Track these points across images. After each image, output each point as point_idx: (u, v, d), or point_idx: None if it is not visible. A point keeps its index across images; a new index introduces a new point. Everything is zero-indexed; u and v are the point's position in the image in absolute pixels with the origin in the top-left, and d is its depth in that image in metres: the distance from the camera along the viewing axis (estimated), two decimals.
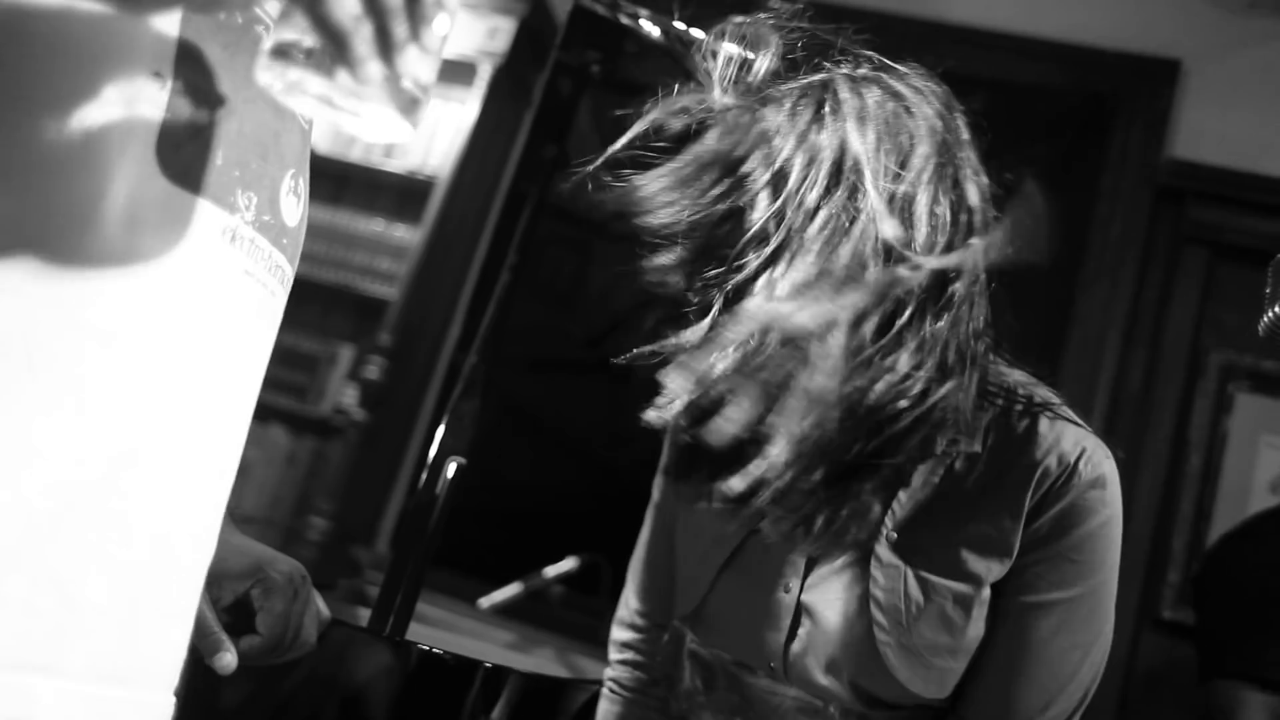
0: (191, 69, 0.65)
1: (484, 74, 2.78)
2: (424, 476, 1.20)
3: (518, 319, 1.68)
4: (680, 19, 1.29)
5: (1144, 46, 2.59)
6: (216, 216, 0.67)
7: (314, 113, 0.58)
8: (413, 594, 1.18)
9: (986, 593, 0.99)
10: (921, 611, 0.98)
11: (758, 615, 1.05)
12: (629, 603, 1.27)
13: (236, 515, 0.98)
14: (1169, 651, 2.28)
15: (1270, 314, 0.97)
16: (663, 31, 1.36)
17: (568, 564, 1.98)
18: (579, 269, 2.39)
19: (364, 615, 1.31)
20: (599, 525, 2.00)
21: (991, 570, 0.99)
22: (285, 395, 2.81)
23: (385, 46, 0.56)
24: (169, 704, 0.72)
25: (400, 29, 0.56)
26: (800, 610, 1.04)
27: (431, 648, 1.14)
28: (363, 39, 0.55)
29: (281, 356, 2.86)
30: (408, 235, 2.86)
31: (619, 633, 1.27)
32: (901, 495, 1.00)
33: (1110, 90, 2.61)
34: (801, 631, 1.03)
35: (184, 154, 0.64)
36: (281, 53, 0.56)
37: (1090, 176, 2.56)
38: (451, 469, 1.22)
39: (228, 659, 0.88)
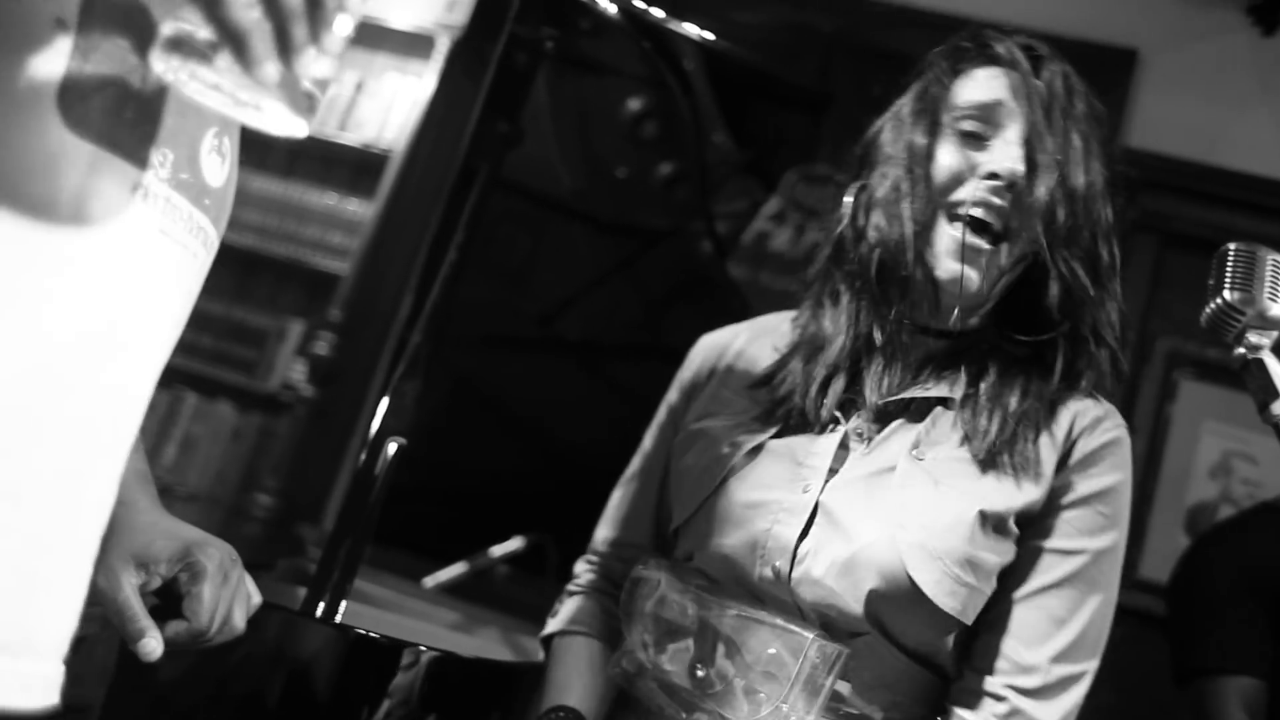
0: (100, 18, 0.62)
1: (441, 47, 2.74)
2: (363, 456, 1.18)
3: (469, 295, 1.66)
4: None
5: (1101, 35, 2.60)
6: (126, 172, 0.65)
7: (208, 102, 0.58)
8: (349, 575, 1.16)
9: (1010, 520, 1.02)
10: (947, 519, 1.00)
11: (767, 514, 1.05)
12: (597, 535, 1.26)
13: (180, 492, 0.96)
14: (1110, 634, 2.32)
15: (1213, 304, 0.98)
16: (620, 9, 1.34)
17: (514, 544, 1.97)
18: (532, 246, 2.37)
19: (304, 595, 1.29)
20: (546, 505, 1.99)
21: (1022, 494, 1.02)
22: (233, 370, 2.77)
23: (284, 48, 0.56)
24: (59, 673, 0.70)
25: (300, 32, 0.55)
26: (817, 509, 1.04)
27: (367, 631, 1.12)
28: (262, 40, 0.54)
29: (230, 331, 2.81)
30: (361, 209, 2.82)
31: (580, 563, 1.27)
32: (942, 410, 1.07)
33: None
34: (815, 529, 1.03)
35: (90, 106, 0.62)
36: (175, 43, 0.56)
37: None
38: (392, 449, 1.20)
39: (151, 644, 0.86)
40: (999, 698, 1.01)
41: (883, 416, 1.08)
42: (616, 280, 2.23)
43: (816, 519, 1.03)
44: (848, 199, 1.15)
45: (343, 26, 0.59)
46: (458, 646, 1.27)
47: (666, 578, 1.09)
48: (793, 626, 1.00)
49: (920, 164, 1.09)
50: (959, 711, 1.02)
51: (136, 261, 0.67)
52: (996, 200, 1.05)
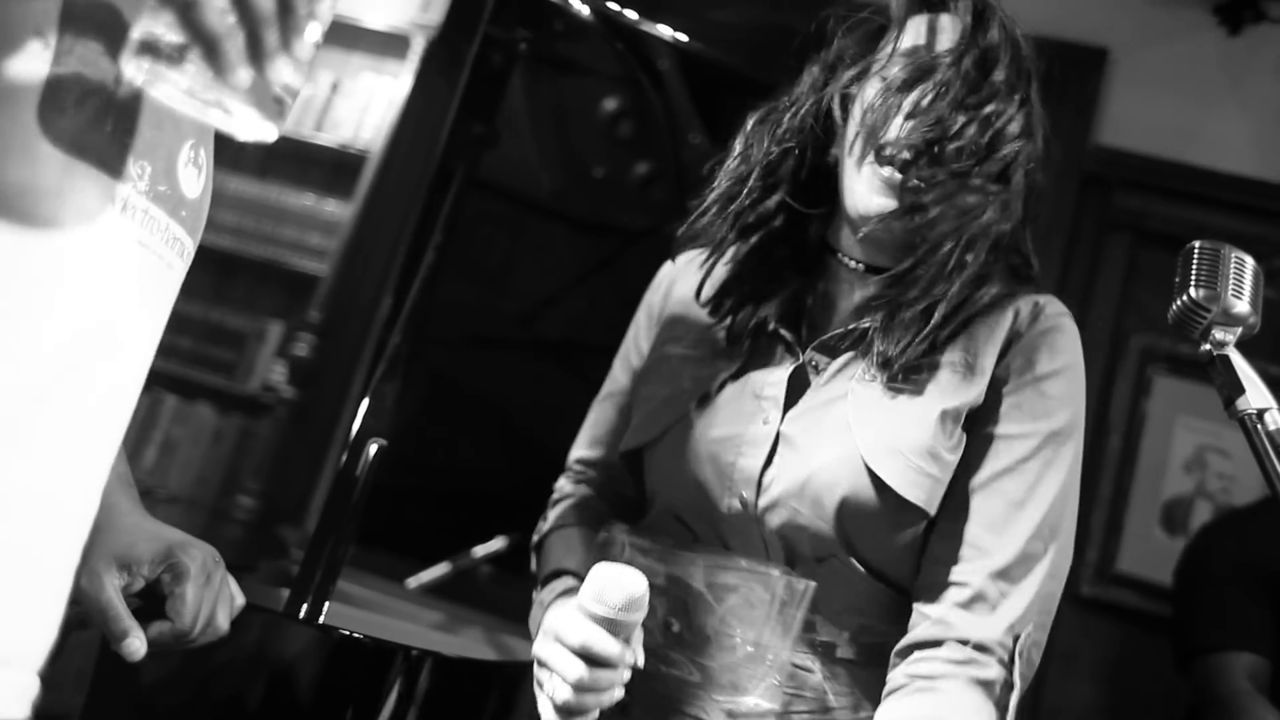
0: (78, 32, 0.63)
1: (417, 47, 2.74)
2: (344, 458, 1.19)
3: (449, 296, 1.66)
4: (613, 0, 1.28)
5: (1072, 34, 2.62)
6: (105, 185, 0.65)
7: (179, 105, 0.58)
8: (331, 577, 1.17)
9: (959, 404, 1.04)
10: (905, 419, 1.03)
11: (731, 447, 1.08)
12: (573, 454, 1.30)
13: (160, 494, 0.96)
14: (1087, 627, 2.34)
15: (1179, 302, 0.99)
16: (593, 11, 1.35)
17: (496, 543, 1.98)
18: (511, 246, 2.38)
19: (286, 596, 1.30)
20: (528, 505, 1.99)
21: (972, 388, 1.05)
22: (212, 372, 2.76)
23: (256, 54, 0.56)
24: (35, 684, 0.71)
25: (272, 37, 0.56)
26: (779, 439, 1.07)
27: (351, 631, 1.13)
28: (234, 45, 0.55)
29: (209, 333, 2.80)
30: (339, 210, 2.82)
31: (561, 479, 1.30)
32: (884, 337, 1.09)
33: (1038, 77, 2.64)
34: (778, 459, 1.06)
35: (70, 119, 0.62)
36: (148, 46, 0.56)
37: None
38: (373, 450, 1.20)
39: (135, 644, 0.86)
40: (961, 584, 1.01)
41: (832, 350, 1.11)
42: (595, 280, 2.24)
43: (779, 448, 1.07)
44: (788, 120, 1.17)
45: (314, 33, 0.59)
46: (442, 647, 1.28)
47: (630, 539, 1.11)
48: (759, 567, 1.03)
49: (851, 105, 1.13)
50: (920, 608, 1.03)
51: (116, 273, 0.67)
52: (917, 141, 1.07)
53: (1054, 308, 1.12)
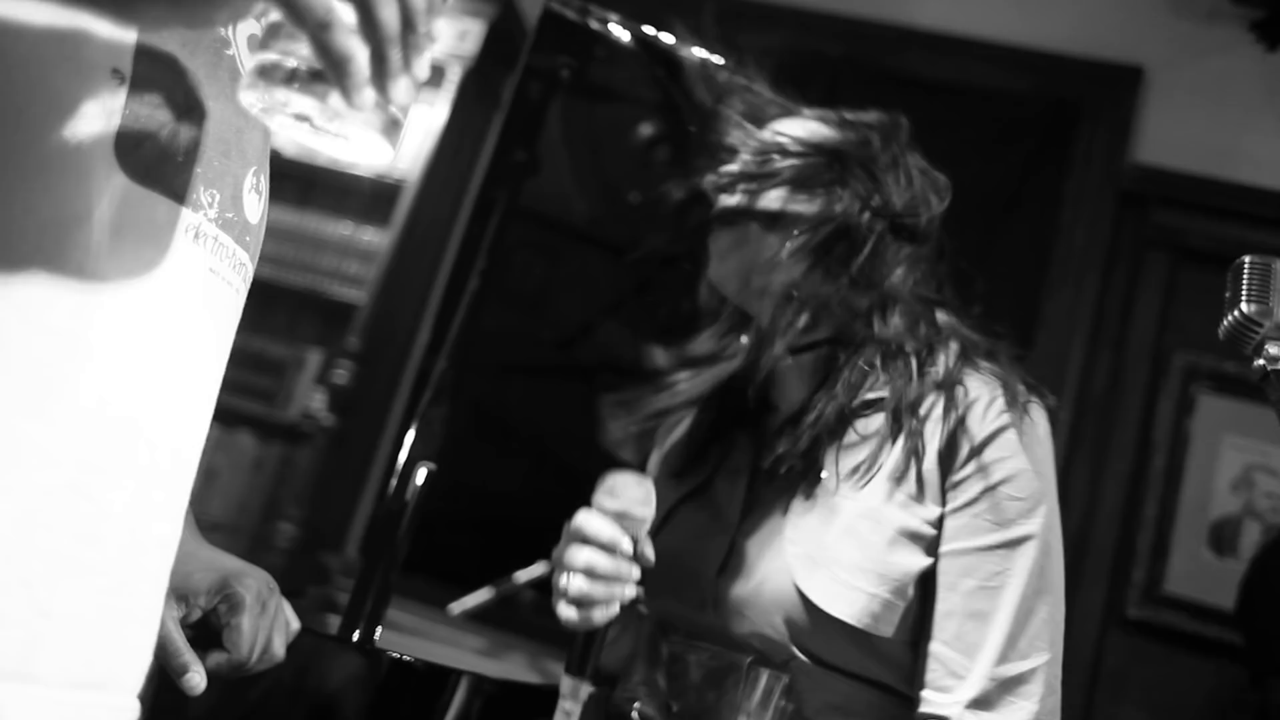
0: (151, 67, 0.64)
1: (453, 76, 2.77)
2: (393, 482, 1.19)
3: (488, 323, 1.67)
4: (651, 25, 1.30)
5: (1108, 53, 2.62)
6: (180, 214, 0.66)
7: (294, 133, 0.58)
8: (382, 600, 1.17)
9: (908, 521, 1.03)
10: (836, 530, 1.04)
11: (693, 558, 1.13)
12: None
13: (203, 522, 0.97)
14: (1135, 650, 2.31)
15: (1231, 317, 0.98)
16: (633, 37, 1.36)
17: (538, 568, 1.97)
18: (548, 273, 2.39)
19: (333, 622, 1.30)
20: None
21: (906, 494, 1.04)
22: (253, 400, 2.78)
23: (380, 74, 0.56)
24: (135, 708, 0.72)
25: (396, 57, 0.56)
26: (732, 546, 1.10)
27: (402, 655, 1.13)
28: (359, 68, 0.55)
29: (249, 361, 2.83)
30: (376, 238, 2.85)
31: None
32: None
33: (1074, 96, 2.64)
34: (729, 566, 1.09)
35: (144, 152, 0.63)
36: (265, 73, 0.56)
37: (1055, 182, 2.58)
38: (421, 474, 1.21)
39: (195, 680, 0.86)
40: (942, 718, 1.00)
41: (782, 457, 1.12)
42: (632, 305, 2.25)
43: (730, 558, 1.10)
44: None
45: (431, 52, 0.59)
46: (486, 671, 1.28)
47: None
48: (732, 655, 1.04)
49: None
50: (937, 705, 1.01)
51: (190, 300, 0.69)
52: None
53: (996, 405, 1.07)
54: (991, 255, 2.53)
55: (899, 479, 1.05)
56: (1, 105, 0.59)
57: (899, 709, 1.04)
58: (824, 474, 1.07)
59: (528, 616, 2.08)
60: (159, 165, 0.65)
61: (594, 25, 1.34)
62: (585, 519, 1.01)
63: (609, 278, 2.32)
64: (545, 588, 2.05)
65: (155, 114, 0.64)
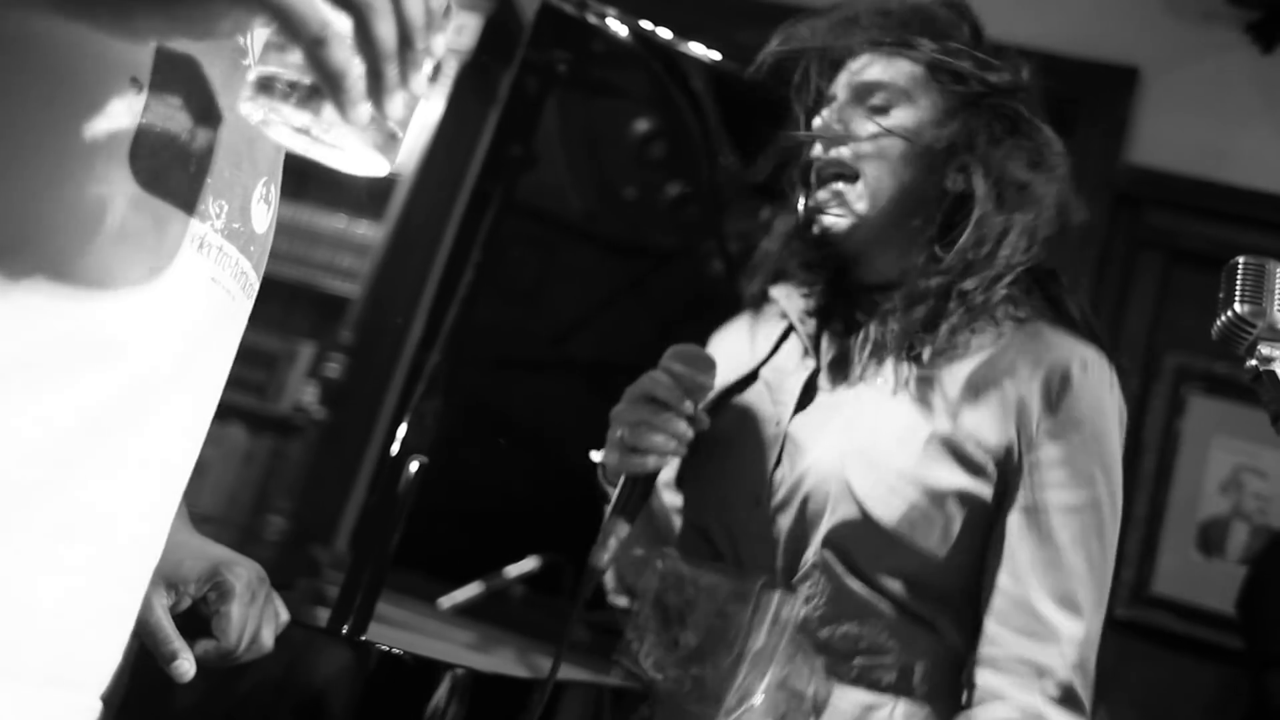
0: (168, 77, 0.64)
1: (449, 70, 2.76)
2: (385, 476, 1.19)
3: (481, 317, 1.67)
4: (648, 20, 1.30)
5: (1103, 54, 2.62)
6: (187, 225, 0.66)
7: (292, 145, 0.58)
8: (373, 594, 1.17)
9: (968, 447, 1.05)
10: (893, 433, 1.07)
11: (745, 449, 1.14)
12: None
13: (194, 515, 0.97)
14: (1123, 650, 2.31)
15: (1224, 317, 0.99)
16: (631, 32, 1.36)
17: (529, 563, 1.98)
18: (543, 267, 2.39)
19: (323, 615, 1.30)
20: (561, 525, 1.99)
21: (981, 428, 1.06)
22: (244, 393, 2.78)
23: (377, 89, 0.56)
24: (98, 708, 0.72)
25: (393, 73, 0.56)
26: (786, 439, 1.12)
27: (391, 648, 1.13)
28: (357, 83, 0.55)
29: (241, 353, 2.80)
30: (370, 232, 2.84)
31: None
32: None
33: (1069, 97, 2.64)
34: (784, 458, 1.11)
35: (158, 161, 0.64)
36: (265, 85, 0.56)
37: None
38: (413, 468, 1.21)
39: (185, 666, 0.86)
40: (1046, 672, 1.05)
41: (843, 363, 1.15)
42: (627, 300, 2.25)
43: (785, 448, 1.12)
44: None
45: (429, 67, 0.59)
46: (476, 666, 1.28)
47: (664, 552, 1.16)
48: (759, 585, 1.06)
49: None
50: (996, 685, 1.04)
51: (189, 309, 0.68)
52: (825, 155, 1.17)
53: (1093, 368, 1.12)
54: None
55: (969, 394, 1.08)
56: (25, 105, 0.58)
57: (908, 627, 1.06)
58: (887, 380, 1.10)
59: (518, 611, 2.08)
60: (170, 174, 0.65)
61: (591, 20, 1.34)
62: (653, 378, 1.06)
63: (604, 272, 2.32)
64: (535, 583, 2.06)
65: (170, 123, 0.64)
